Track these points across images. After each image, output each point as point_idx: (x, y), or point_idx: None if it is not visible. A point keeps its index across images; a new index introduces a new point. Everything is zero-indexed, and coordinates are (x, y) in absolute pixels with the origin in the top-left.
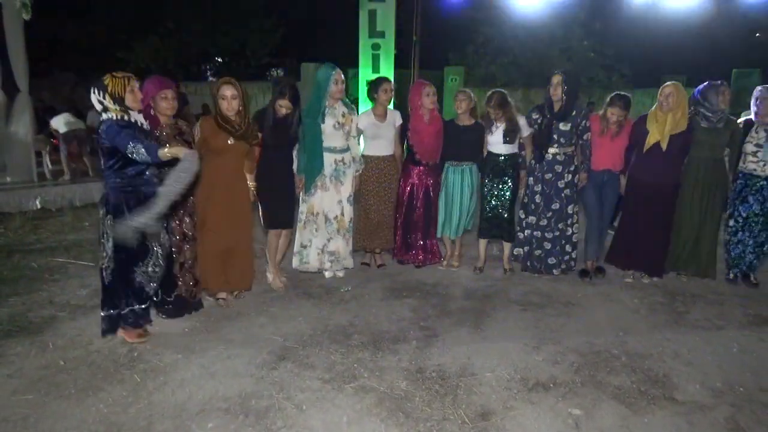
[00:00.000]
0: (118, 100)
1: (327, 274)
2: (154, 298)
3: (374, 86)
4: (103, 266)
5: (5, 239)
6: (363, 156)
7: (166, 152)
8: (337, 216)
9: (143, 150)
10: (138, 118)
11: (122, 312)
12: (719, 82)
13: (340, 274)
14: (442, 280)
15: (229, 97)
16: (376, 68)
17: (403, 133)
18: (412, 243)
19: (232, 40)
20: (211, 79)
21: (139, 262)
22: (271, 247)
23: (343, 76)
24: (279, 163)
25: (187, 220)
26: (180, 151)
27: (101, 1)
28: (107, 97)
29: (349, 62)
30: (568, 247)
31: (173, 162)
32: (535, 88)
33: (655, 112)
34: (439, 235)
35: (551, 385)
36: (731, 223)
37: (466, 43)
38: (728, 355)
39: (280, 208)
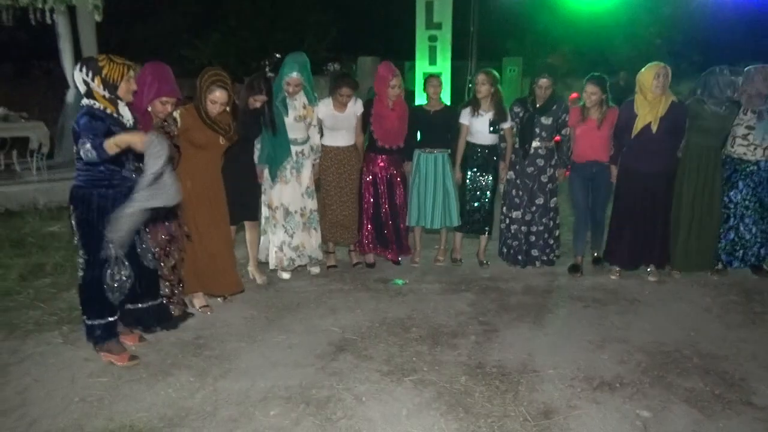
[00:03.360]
0: (111, 87)
1: (284, 275)
2: (127, 309)
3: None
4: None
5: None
6: (322, 146)
7: (112, 142)
8: (298, 209)
9: (89, 145)
10: (125, 112)
11: (94, 323)
12: (728, 67)
13: (316, 270)
14: (501, 275)
15: (219, 104)
16: (432, 60)
17: (365, 121)
18: (380, 237)
19: (290, 35)
20: (269, 74)
21: (106, 271)
22: (251, 246)
23: (299, 80)
24: (244, 154)
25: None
26: (134, 138)
27: (167, 1)
28: (97, 80)
29: (405, 55)
30: (550, 240)
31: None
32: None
33: (643, 95)
34: (412, 224)
35: (617, 385)
36: (722, 209)
37: (524, 33)
38: None
39: (243, 199)
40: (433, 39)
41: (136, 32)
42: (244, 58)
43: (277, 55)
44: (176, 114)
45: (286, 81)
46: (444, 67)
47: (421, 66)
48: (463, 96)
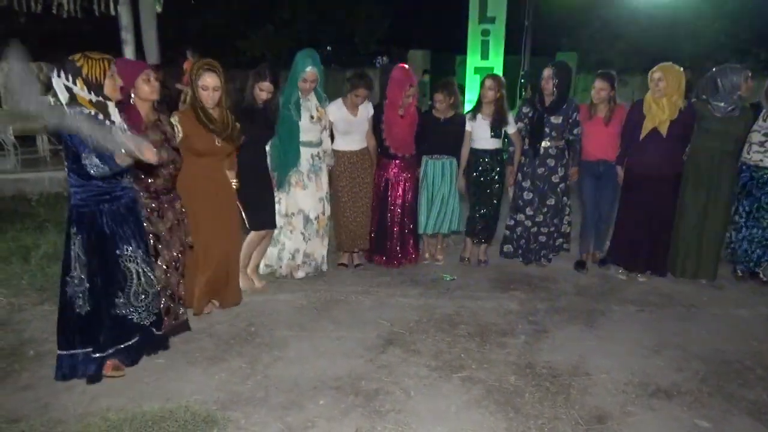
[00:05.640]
0: (95, 88)
1: (299, 274)
2: (152, 333)
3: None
4: (73, 294)
5: None
6: (333, 151)
7: (123, 156)
8: (318, 215)
9: (97, 161)
10: (116, 115)
11: (101, 355)
12: (738, 65)
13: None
14: (551, 275)
15: (211, 89)
16: (485, 55)
17: (375, 124)
18: (390, 242)
19: (341, 28)
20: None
21: (118, 291)
22: (249, 249)
23: (315, 74)
24: (259, 157)
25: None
26: (145, 148)
27: None
28: (79, 82)
29: (456, 49)
30: (560, 240)
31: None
32: None
33: (651, 97)
34: (421, 232)
35: (674, 393)
36: (736, 218)
37: (580, 28)
38: None
39: (266, 206)
40: (485, 33)
41: (192, 24)
42: (296, 51)
43: (328, 48)
44: (174, 120)
45: (303, 77)
46: (496, 62)
47: (473, 61)
48: (515, 92)
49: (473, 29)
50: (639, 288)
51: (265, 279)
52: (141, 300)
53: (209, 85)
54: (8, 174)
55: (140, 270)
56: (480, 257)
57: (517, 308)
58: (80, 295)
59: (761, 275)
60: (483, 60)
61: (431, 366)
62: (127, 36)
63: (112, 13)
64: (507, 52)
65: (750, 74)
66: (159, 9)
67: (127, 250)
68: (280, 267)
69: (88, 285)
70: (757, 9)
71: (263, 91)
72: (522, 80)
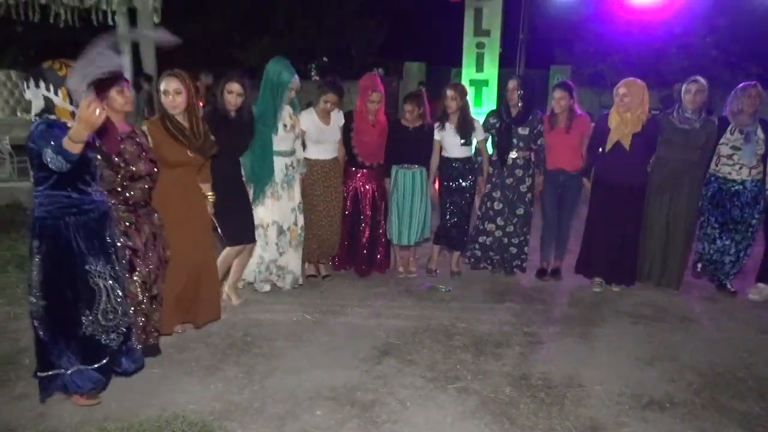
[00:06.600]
0: (78, 98)
1: (265, 287)
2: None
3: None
4: (34, 315)
5: None
6: (306, 159)
7: (69, 138)
8: (290, 226)
9: (50, 151)
10: None
11: (63, 374)
12: (693, 79)
13: (288, 288)
14: (546, 287)
15: (172, 92)
16: (479, 67)
17: (345, 132)
18: (359, 250)
19: (337, 40)
20: (315, 78)
21: (85, 309)
22: (225, 264)
23: (298, 83)
24: (235, 169)
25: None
26: (84, 113)
27: (219, 3)
28: (62, 93)
29: (452, 61)
30: (526, 249)
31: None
32: (649, 89)
33: (615, 110)
34: (395, 242)
35: (667, 405)
36: (708, 230)
37: (573, 41)
38: None
39: (243, 220)
40: (480, 46)
41: (188, 33)
42: (292, 62)
43: (324, 59)
44: (144, 128)
45: (290, 87)
46: (491, 74)
47: (468, 73)
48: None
49: (468, 42)
50: (633, 300)
51: (255, 293)
52: (109, 320)
53: (170, 89)
54: (4, 182)
55: (109, 287)
56: (453, 268)
57: (512, 319)
58: (37, 314)
59: (729, 286)
60: (478, 72)
61: (427, 377)
62: (124, 46)
63: (110, 23)
64: (501, 65)
65: (695, 88)
66: (157, 20)
67: (97, 266)
68: (255, 280)
69: (44, 303)
70: (748, 25)
71: (232, 93)
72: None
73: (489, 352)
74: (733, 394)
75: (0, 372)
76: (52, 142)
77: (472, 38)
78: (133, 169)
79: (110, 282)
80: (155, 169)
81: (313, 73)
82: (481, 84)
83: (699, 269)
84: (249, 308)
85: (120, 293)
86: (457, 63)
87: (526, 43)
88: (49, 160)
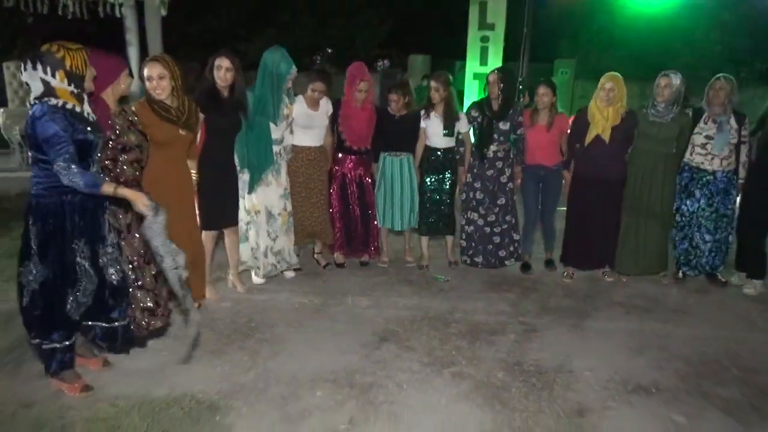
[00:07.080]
0: (77, 79)
1: (256, 280)
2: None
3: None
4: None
5: None
6: (292, 146)
7: (114, 191)
8: (280, 212)
9: (79, 179)
10: (86, 107)
11: (44, 347)
12: (664, 73)
13: (291, 275)
14: (542, 277)
15: (155, 77)
16: (483, 61)
17: (333, 119)
18: (352, 235)
19: (342, 32)
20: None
21: (69, 288)
22: (206, 252)
23: (296, 74)
24: (226, 151)
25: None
26: (135, 196)
27: None
28: (60, 75)
29: (457, 54)
30: (515, 236)
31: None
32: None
33: (595, 105)
34: (382, 225)
35: (653, 390)
36: (677, 218)
37: (578, 34)
38: None
39: (221, 206)
40: (485, 39)
41: (195, 27)
42: (297, 54)
43: (329, 50)
44: (134, 108)
45: (289, 78)
46: (495, 67)
47: (472, 66)
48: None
49: (473, 35)
50: (626, 291)
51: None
52: (83, 303)
53: (153, 74)
54: (14, 172)
55: (88, 266)
56: (450, 258)
57: (508, 309)
58: (31, 285)
59: (719, 277)
60: (482, 66)
61: (424, 362)
62: (131, 38)
63: (117, 15)
64: (506, 59)
65: (664, 83)
66: (164, 12)
67: (83, 244)
68: (258, 267)
69: (41, 279)
70: (752, 20)
71: (221, 68)
72: (520, 86)
73: (484, 339)
74: (717, 381)
75: (17, 353)
76: (75, 165)
77: (476, 32)
78: (124, 139)
79: (88, 262)
80: (146, 141)
81: (318, 65)
82: (485, 77)
83: (681, 276)
84: (253, 295)
85: (92, 273)
86: (462, 56)
87: (531, 36)
88: (69, 176)
